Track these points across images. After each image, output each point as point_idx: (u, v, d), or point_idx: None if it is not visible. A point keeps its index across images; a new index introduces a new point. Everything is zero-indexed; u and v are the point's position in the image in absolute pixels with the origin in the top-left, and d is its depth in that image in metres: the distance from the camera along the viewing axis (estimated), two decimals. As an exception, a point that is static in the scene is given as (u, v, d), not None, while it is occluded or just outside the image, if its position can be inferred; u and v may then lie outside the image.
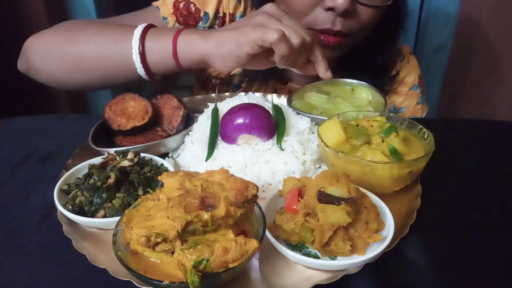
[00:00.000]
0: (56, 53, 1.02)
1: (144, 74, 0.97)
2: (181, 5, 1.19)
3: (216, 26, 1.24)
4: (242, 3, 1.26)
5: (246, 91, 1.31)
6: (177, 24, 1.20)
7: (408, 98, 1.36)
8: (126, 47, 0.94)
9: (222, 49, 0.88)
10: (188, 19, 1.20)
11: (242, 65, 0.91)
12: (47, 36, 1.04)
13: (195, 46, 0.92)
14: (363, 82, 1.08)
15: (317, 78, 1.15)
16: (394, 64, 1.33)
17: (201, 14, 1.21)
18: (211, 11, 1.21)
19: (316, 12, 1.02)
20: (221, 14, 1.24)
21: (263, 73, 1.22)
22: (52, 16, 2.10)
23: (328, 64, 0.96)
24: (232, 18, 1.25)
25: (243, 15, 1.27)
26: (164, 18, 1.19)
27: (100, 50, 0.98)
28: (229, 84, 1.33)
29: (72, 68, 1.01)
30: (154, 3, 1.21)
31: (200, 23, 1.22)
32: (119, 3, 2.49)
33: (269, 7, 0.92)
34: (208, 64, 0.94)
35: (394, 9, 1.16)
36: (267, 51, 0.89)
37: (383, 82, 1.28)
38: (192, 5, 1.20)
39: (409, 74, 1.35)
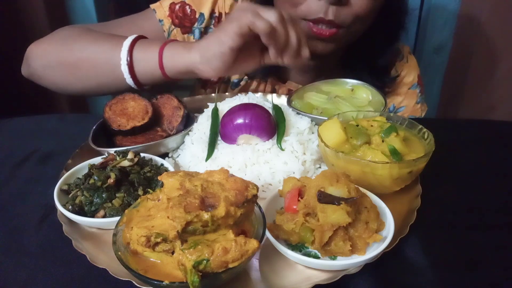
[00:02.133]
0: (54, 62, 1.05)
1: (133, 84, 1.00)
2: (177, 7, 1.20)
3: (212, 27, 1.24)
4: (240, 1, 1.26)
5: (245, 89, 1.31)
6: (173, 26, 1.21)
7: (407, 98, 1.36)
8: (116, 58, 0.97)
9: (206, 53, 0.90)
10: (184, 21, 1.21)
11: (229, 65, 0.90)
12: (45, 44, 1.08)
13: (180, 57, 0.94)
14: (363, 82, 1.08)
15: (316, 77, 1.15)
16: (393, 64, 1.33)
17: (197, 16, 1.21)
18: (206, 11, 1.22)
19: (309, 1, 1.02)
20: (216, 14, 1.24)
21: (262, 71, 1.21)
22: (52, 16, 2.10)
23: (306, 47, 0.93)
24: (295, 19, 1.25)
25: None
26: (160, 21, 1.20)
27: (94, 60, 1.01)
28: (228, 82, 1.33)
29: (69, 76, 1.05)
30: (152, 6, 1.22)
31: (195, 24, 1.22)
32: (119, 3, 2.49)
33: (241, 4, 0.94)
34: (195, 74, 0.95)
35: (394, 8, 1.16)
36: (250, 51, 0.91)
37: (384, 83, 1.27)
38: (187, 7, 1.21)
39: (408, 74, 1.35)
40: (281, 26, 0.86)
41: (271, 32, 0.85)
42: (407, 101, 1.36)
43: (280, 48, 0.90)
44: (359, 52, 1.22)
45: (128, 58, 0.96)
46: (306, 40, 0.93)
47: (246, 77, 1.31)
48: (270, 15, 0.86)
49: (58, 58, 1.05)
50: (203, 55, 0.91)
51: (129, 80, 0.98)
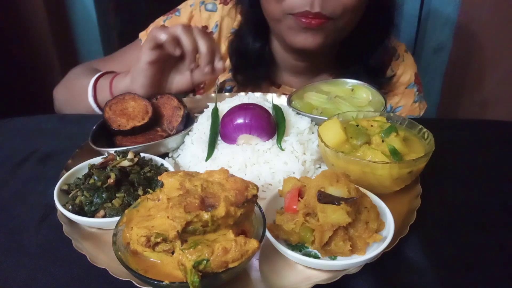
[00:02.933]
0: (61, 99, 1.30)
1: (100, 112, 1.12)
2: None
3: None
4: (219, 12, 1.26)
5: None
6: None
7: (404, 97, 1.34)
8: (88, 92, 1.14)
9: (133, 73, 1.03)
10: None
11: (153, 80, 1.02)
12: (59, 86, 1.32)
13: (120, 83, 1.08)
14: (363, 82, 1.08)
15: (309, 80, 1.15)
16: (389, 63, 1.32)
17: None
18: None
19: None
20: None
21: (254, 77, 1.21)
22: (52, 16, 2.10)
23: (212, 58, 1.00)
24: (206, 30, 1.28)
25: (220, 24, 1.27)
26: None
27: (77, 95, 1.19)
28: (220, 91, 1.33)
29: (71, 109, 1.25)
30: (140, 35, 1.32)
31: None
32: (119, 3, 2.49)
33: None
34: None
35: (382, 3, 1.14)
36: (179, 70, 1.05)
37: (380, 84, 1.26)
38: None
39: (405, 73, 1.34)
40: (185, 35, 0.95)
41: (173, 41, 0.96)
42: (404, 100, 1.35)
43: (191, 57, 0.99)
44: (351, 52, 1.21)
45: (93, 90, 1.12)
46: (221, 55, 1.02)
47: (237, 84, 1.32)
48: (174, 28, 0.96)
49: (62, 96, 1.29)
50: (132, 76, 1.04)
51: (97, 110, 1.13)
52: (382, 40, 1.22)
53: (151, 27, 1.31)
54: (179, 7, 1.31)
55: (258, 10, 1.14)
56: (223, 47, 1.29)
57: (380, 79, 1.27)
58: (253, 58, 1.22)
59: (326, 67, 1.28)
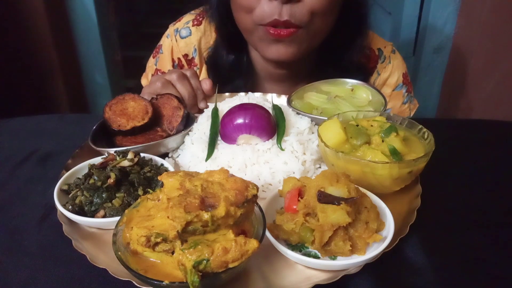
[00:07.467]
0: None
1: None
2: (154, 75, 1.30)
3: None
4: (194, 35, 1.27)
5: None
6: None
7: (392, 100, 1.33)
8: None
9: None
10: None
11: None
12: None
13: None
14: (363, 82, 1.08)
15: (292, 86, 1.14)
16: (374, 66, 1.30)
17: None
18: (169, 65, 1.29)
19: (262, 4, 0.99)
20: (176, 62, 1.29)
21: (233, 89, 1.21)
22: (52, 16, 2.10)
23: (195, 101, 1.07)
24: (187, 58, 1.30)
25: (198, 47, 1.28)
26: None
27: None
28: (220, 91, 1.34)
29: None
30: (142, 80, 1.37)
31: None
32: (119, 3, 2.49)
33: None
34: None
35: (352, 2, 1.12)
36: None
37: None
38: (158, 72, 1.31)
39: (392, 75, 1.31)
40: (164, 89, 1.04)
41: (168, 87, 1.04)
42: (393, 103, 1.33)
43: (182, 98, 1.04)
44: (328, 55, 1.20)
45: None
46: (203, 95, 1.08)
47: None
48: (154, 86, 1.04)
49: None
50: None
51: None
52: (353, 39, 1.19)
53: (149, 71, 1.35)
54: (161, 42, 1.33)
55: (229, 23, 1.14)
56: (204, 69, 1.31)
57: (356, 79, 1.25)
58: (228, 71, 1.23)
59: (307, 73, 1.26)
